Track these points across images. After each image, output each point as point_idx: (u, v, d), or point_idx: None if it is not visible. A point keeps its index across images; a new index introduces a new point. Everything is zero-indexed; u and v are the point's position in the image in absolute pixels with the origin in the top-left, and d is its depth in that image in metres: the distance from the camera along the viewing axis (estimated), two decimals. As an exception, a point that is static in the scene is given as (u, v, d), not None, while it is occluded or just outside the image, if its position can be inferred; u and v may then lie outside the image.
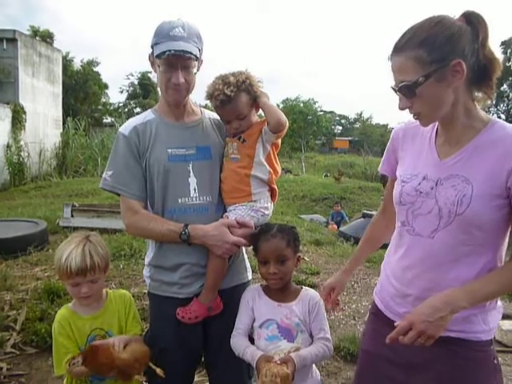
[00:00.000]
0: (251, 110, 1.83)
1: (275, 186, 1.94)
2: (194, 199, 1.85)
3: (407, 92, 1.33)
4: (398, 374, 1.52)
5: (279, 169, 1.97)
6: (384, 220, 1.78)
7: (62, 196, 10.99)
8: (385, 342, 1.39)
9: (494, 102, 37.16)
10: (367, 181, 17.70)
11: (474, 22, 1.31)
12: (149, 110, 1.98)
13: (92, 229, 6.58)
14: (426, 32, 1.30)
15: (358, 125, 66.70)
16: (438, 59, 1.28)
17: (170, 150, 1.85)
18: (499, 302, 1.49)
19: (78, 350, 1.82)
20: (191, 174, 1.85)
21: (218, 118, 1.95)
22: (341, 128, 71.08)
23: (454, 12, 1.37)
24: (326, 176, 20.87)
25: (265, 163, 1.86)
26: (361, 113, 67.36)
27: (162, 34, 1.74)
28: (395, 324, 1.35)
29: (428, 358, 1.44)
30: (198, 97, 1.99)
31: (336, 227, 9.82)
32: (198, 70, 1.85)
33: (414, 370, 1.48)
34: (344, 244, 7.31)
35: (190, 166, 1.86)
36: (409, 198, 1.48)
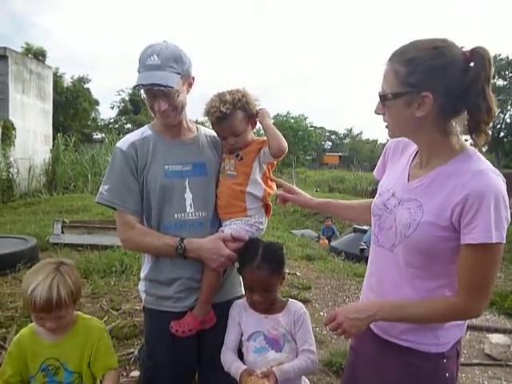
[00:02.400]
0: (247, 127, 1.88)
1: (270, 203, 1.98)
2: (190, 215, 1.88)
3: (381, 99, 1.39)
4: (366, 370, 1.63)
5: (274, 186, 2.01)
6: (367, 205, 1.78)
7: (51, 212, 10.87)
8: (362, 342, 1.64)
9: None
10: (357, 196, 17.78)
11: (469, 63, 1.28)
12: (146, 126, 2.01)
13: (82, 245, 6.58)
14: (418, 53, 1.30)
15: (347, 140, 67.33)
16: (413, 84, 1.29)
17: (166, 167, 1.88)
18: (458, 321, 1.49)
19: (19, 376, 1.75)
20: (187, 189, 1.88)
21: (215, 134, 1.99)
22: (331, 143, 71.70)
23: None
24: (317, 191, 20.97)
25: (260, 181, 1.90)
26: (351, 128, 68.16)
27: (141, 63, 1.77)
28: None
29: (385, 361, 1.55)
30: (195, 112, 2.02)
31: (327, 242, 9.87)
32: (190, 88, 1.88)
33: (377, 369, 1.58)
34: (335, 259, 7.34)
35: (187, 181, 1.89)
36: (378, 211, 1.57)
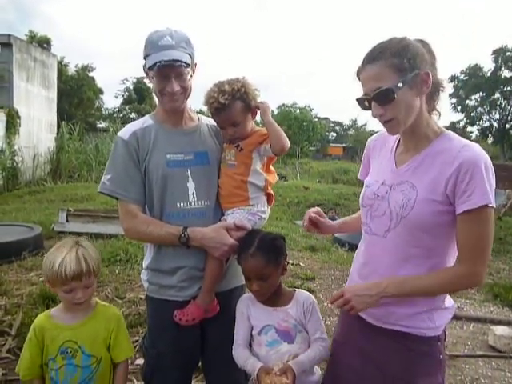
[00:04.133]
0: (246, 117, 1.86)
1: (271, 191, 1.97)
2: (193, 204, 1.88)
3: (383, 98, 1.41)
4: (354, 360, 1.65)
5: (275, 175, 2.00)
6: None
7: (56, 201, 10.91)
8: (348, 332, 1.69)
9: (486, 110, 37.49)
10: (361, 187, 17.74)
11: (427, 46, 1.47)
12: (147, 116, 2.00)
13: (87, 234, 6.60)
14: (397, 45, 1.42)
15: (352, 131, 66.96)
16: (411, 68, 1.40)
17: (168, 156, 1.87)
18: (451, 303, 1.61)
19: (39, 360, 1.81)
20: (190, 178, 1.88)
21: (215, 123, 1.98)
22: (335, 134, 71.37)
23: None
24: (319, 182, 20.92)
25: (261, 171, 1.90)
26: (355, 119, 67.64)
27: (152, 45, 1.77)
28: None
29: (378, 347, 1.59)
30: (194, 102, 2.01)
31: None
32: (193, 74, 1.88)
33: (367, 357, 1.62)
34: (339, 250, 7.32)
35: (189, 171, 1.88)
36: (368, 201, 1.63)
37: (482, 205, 1.37)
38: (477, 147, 1.43)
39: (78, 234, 6.68)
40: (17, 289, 4.44)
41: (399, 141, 1.64)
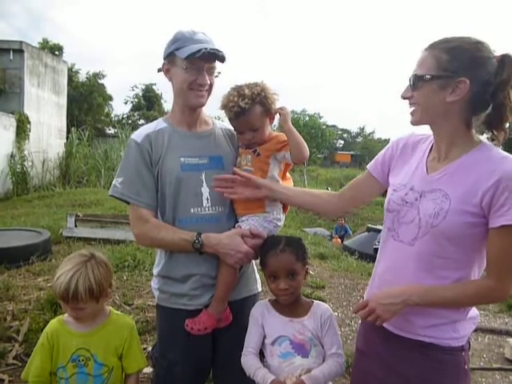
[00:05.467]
0: (265, 122, 1.82)
1: None
2: (207, 209, 1.83)
3: (414, 82, 1.45)
4: (378, 372, 1.61)
5: (291, 182, 1.96)
6: (334, 198, 1.85)
7: (64, 206, 10.94)
8: (371, 343, 1.64)
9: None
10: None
11: (504, 64, 1.37)
12: (160, 119, 1.96)
13: (95, 239, 6.59)
14: (462, 44, 1.39)
15: (360, 139, 66.86)
16: (453, 69, 1.37)
17: (182, 159, 1.82)
18: (475, 313, 1.57)
19: (50, 367, 1.76)
20: (204, 183, 1.83)
21: (230, 128, 1.94)
22: (343, 142, 71.24)
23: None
24: (327, 189, 20.86)
25: (278, 178, 1.86)
26: (363, 127, 67.60)
27: (185, 39, 1.74)
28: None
29: (402, 358, 1.55)
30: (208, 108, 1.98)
31: (340, 241, 9.79)
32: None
33: (390, 369, 1.57)
34: (348, 258, 7.26)
35: (203, 175, 1.83)
36: (396, 206, 1.58)
37: None
38: None
39: (87, 240, 6.68)
40: (24, 294, 4.40)
41: (431, 147, 1.59)
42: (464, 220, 1.39)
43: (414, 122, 1.53)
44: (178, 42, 1.76)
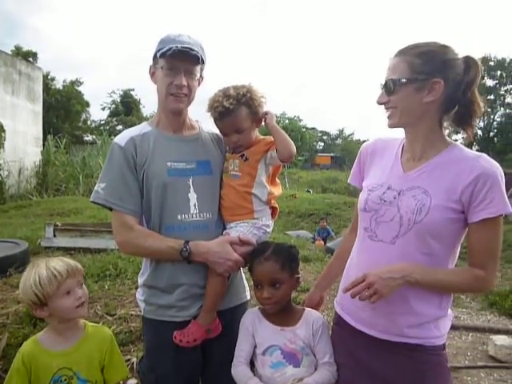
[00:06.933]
0: (251, 125, 1.79)
1: (276, 205, 1.90)
2: (194, 216, 1.78)
3: (389, 87, 1.49)
4: (362, 380, 1.59)
5: (279, 189, 1.93)
6: (353, 237, 1.79)
7: (43, 215, 10.69)
8: (351, 352, 1.61)
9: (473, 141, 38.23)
10: (351, 196, 17.79)
11: (469, 65, 1.46)
12: (145, 123, 1.91)
13: (75, 248, 6.45)
14: (430, 48, 1.47)
15: (339, 141, 67.48)
16: (426, 72, 1.44)
17: (169, 164, 1.78)
18: (450, 311, 1.60)
19: None
20: (191, 189, 1.78)
21: (217, 132, 1.91)
22: (323, 144, 71.80)
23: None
24: (308, 191, 20.97)
25: (266, 184, 1.82)
26: (342, 129, 68.28)
27: (168, 40, 1.72)
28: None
29: (386, 363, 1.54)
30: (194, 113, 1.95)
31: (323, 243, 9.80)
32: (198, 84, 1.83)
33: (374, 376, 1.56)
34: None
35: (191, 180, 1.79)
36: (373, 206, 1.59)
37: (501, 213, 1.41)
38: (490, 159, 1.47)
39: (66, 249, 6.54)
40: (2, 308, 4.27)
41: (403, 147, 1.64)
42: (446, 216, 1.44)
43: (392, 125, 1.56)
44: (162, 43, 1.73)
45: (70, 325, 1.74)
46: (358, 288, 1.44)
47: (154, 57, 1.77)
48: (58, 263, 1.68)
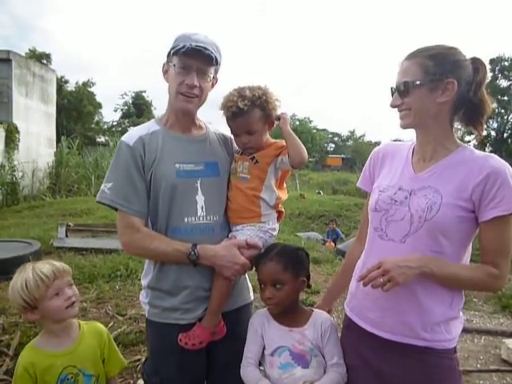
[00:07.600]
0: (263, 127, 1.79)
1: (282, 209, 1.90)
2: (201, 218, 1.77)
3: (402, 90, 1.51)
4: (372, 382, 1.58)
5: (285, 193, 1.93)
6: (361, 246, 1.78)
7: (55, 216, 10.79)
8: (361, 355, 1.60)
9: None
10: (361, 197, 17.67)
11: (477, 66, 1.50)
12: (152, 121, 1.89)
13: (86, 249, 6.50)
14: (440, 50, 1.50)
15: (350, 142, 67.10)
16: (439, 73, 1.47)
17: (178, 165, 1.76)
18: (461, 314, 1.59)
19: None
20: (199, 191, 1.77)
21: (223, 133, 1.91)
22: (333, 146, 71.45)
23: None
24: (319, 193, 20.87)
25: (274, 188, 1.81)
26: (353, 130, 67.87)
27: (183, 38, 1.71)
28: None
29: (396, 365, 1.53)
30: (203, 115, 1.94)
31: (333, 245, 9.75)
32: (212, 86, 1.82)
33: (384, 378, 1.55)
34: (342, 262, 7.22)
35: (199, 182, 1.77)
36: (384, 206, 1.60)
37: (511, 211, 1.42)
38: (499, 158, 1.49)
39: (78, 250, 6.60)
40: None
41: (413, 150, 1.66)
42: (456, 214, 1.45)
43: (405, 125, 1.58)
44: (176, 41, 1.73)
45: (64, 325, 1.76)
46: (374, 274, 1.42)
47: (168, 54, 1.76)
48: (45, 266, 1.70)
